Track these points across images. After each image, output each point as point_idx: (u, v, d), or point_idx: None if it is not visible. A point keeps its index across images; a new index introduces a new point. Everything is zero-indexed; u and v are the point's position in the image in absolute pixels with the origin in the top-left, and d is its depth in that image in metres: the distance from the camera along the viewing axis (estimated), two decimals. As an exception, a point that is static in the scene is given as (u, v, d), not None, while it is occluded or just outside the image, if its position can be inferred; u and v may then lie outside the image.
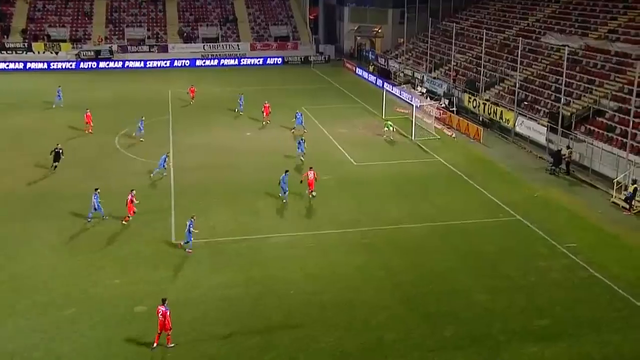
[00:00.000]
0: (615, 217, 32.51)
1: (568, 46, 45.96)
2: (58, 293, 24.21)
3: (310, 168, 34.50)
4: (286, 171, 34.06)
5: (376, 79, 68.99)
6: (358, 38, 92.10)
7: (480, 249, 28.31)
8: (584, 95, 44.41)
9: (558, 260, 27.33)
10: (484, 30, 56.91)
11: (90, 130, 46.13)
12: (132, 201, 30.37)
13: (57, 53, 78.85)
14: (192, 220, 27.67)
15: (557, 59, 50.59)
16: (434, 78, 61.10)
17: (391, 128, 46.07)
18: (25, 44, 79.03)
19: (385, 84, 63.13)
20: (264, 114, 49.72)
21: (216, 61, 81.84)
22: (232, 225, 30.69)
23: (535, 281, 25.46)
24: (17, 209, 32.53)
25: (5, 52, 77.90)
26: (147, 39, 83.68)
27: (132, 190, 31.05)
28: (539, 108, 46.60)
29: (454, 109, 53.27)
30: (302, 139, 40.65)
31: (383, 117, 52.27)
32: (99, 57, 78.86)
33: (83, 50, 79.12)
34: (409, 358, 20.61)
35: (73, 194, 34.08)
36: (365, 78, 72.59)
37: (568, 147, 39.37)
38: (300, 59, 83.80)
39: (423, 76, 62.71)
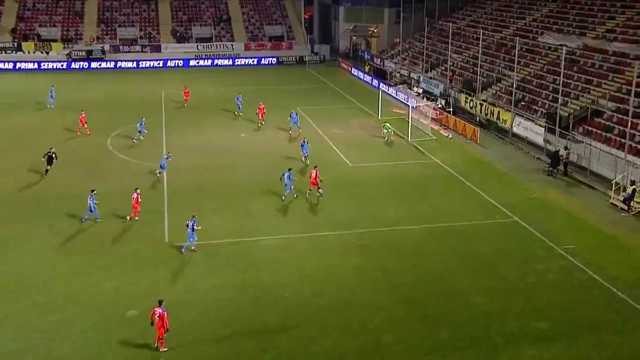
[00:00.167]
0: (614, 218, 32.64)
1: (566, 46, 46.15)
2: (52, 295, 24.19)
3: (315, 167, 34.94)
4: (289, 169, 34.52)
5: (372, 79, 69.09)
6: (353, 38, 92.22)
7: (477, 251, 28.41)
8: (582, 96, 44.56)
9: (556, 262, 27.43)
10: (481, 30, 57.07)
11: (87, 132, 46.07)
12: (137, 200, 30.75)
13: (47, 53, 78.67)
14: (194, 219, 27.74)
15: (554, 58, 50.77)
16: (431, 78, 61.25)
17: (390, 130, 46.11)
18: (15, 44, 78.80)
19: (381, 84, 63.22)
20: (259, 115, 49.75)
21: (210, 61, 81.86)
22: (227, 227, 30.71)
23: (533, 283, 25.56)
24: (11, 210, 32.55)
25: (-6, 51, 77.76)
26: (139, 39, 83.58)
27: (136, 189, 31.36)
28: (537, 108, 46.75)
29: (451, 109, 53.41)
30: (305, 141, 40.71)
31: (379, 117, 52.40)
32: (91, 57, 78.73)
33: (74, 50, 78.97)
34: (406, 360, 20.70)
35: (65, 196, 34.10)
36: (360, 78, 72.69)
37: (566, 148, 39.52)
38: (295, 59, 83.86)
39: (419, 76, 62.83)
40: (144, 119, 45.85)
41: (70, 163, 39.20)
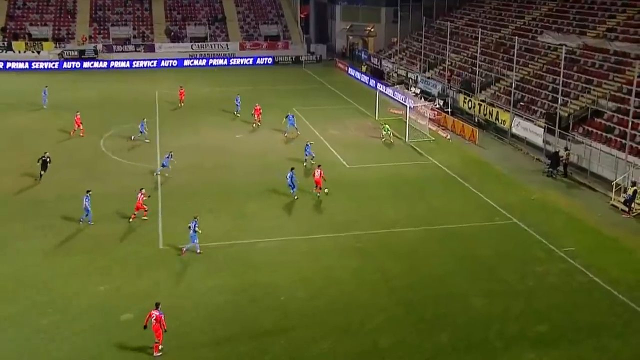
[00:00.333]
0: (614, 219, 32.70)
1: (565, 45, 46.22)
2: (51, 296, 24.22)
3: (319, 166, 35.10)
4: (292, 168, 34.74)
5: (369, 80, 69.13)
6: (350, 37, 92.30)
7: (476, 253, 28.43)
8: (582, 96, 44.65)
9: (556, 264, 27.46)
10: (479, 29, 57.15)
11: (81, 134, 46.00)
12: (141, 200, 30.97)
13: (39, 52, 78.51)
14: (196, 220, 27.75)
15: (554, 58, 50.85)
16: (428, 78, 61.30)
17: (390, 131, 46.10)
18: (5, 43, 78.58)
19: (378, 84, 63.27)
20: (255, 116, 49.71)
21: (204, 61, 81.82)
22: (223, 229, 30.68)
23: (533, 286, 25.59)
24: (8, 211, 32.64)
25: (-17, 51, 77.52)
26: (132, 38, 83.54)
27: (141, 189, 31.49)
28: (536, 109, 46.83)
29: (449, 109, 53.43)
30: (309, 143, 40.67)
31: (376, 118, 52.44)
32: (83, 56, 78.62)
33: (66, 50, 78.87)
34: (404, 364, 20.72)
35: (60, 197, 34.12)
36: (357, 78, 72.72)
37: (566, 149, 39.58)
38: (291, 58, 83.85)
39: (417, 76, 62.90)
40: (145, 119, 45.96)
41: (64, 164, 39.10)
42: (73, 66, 77.52)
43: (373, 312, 23.46)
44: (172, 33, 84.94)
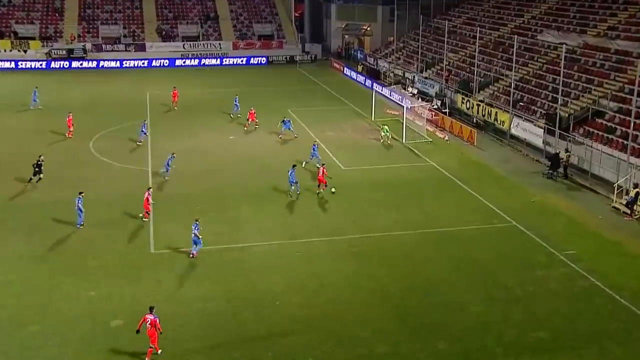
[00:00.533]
0: (616, 222, 32.58)
1: (566, 44, 46.18)
2: (32, 305, 23.89)
3: (322, 164, 35.36)
4: (293, 166, 35.00)
5: (365, 80, 69.02)
6: (346, 36, 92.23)
7: (474, 257, 28.26)
8: (583, 96, 44.59)
9: (556, 268, 27.31)
10: (478, 28, 57.01)
11: (70, 135, 45.81)
12: (147, 199, 31.12)
13: (25, 52, 78.09)
14: (197, 223, 27.69)
15: (554, 57, 50.82)
16: (426, 78, 61.20)
17: (388, 133, 45.87)
18: (-10, 42, 78.36)
19: (375, 84, 63.20)
20: (249, 120, 49.43)
21: (197, 61, 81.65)
22: (214, 233, 30.41)
23: (532, 291, 25.41)
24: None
25: (-33, 50, 77.17)
26: (123, 38, 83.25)
27: (149, 189, 31.71)
28: (536, 109, 46.75)
29: (447, 110, 53.37)
30: (315, 145, 40.47)
31: (372, 119, 52.33)
32: (72, 56, 78.31)
33: (54, 49, 78.54)
34: (400, 373, 20.54)
35: (46, 202, 33.91)
36: (353, 78, 72.64)
37: (566, 150, 39.46)
38: (286, 58, 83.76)
39: (414, 76, 62.81)
40: (146, 121, 45.90)
41: (53, 167, 38.69)
42: (61, 66, 77.23)
43: (368, 319, 23.25)
44: (164, 32, 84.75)
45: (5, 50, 77.71)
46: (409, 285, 25.82)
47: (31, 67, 76.06)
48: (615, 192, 34.73)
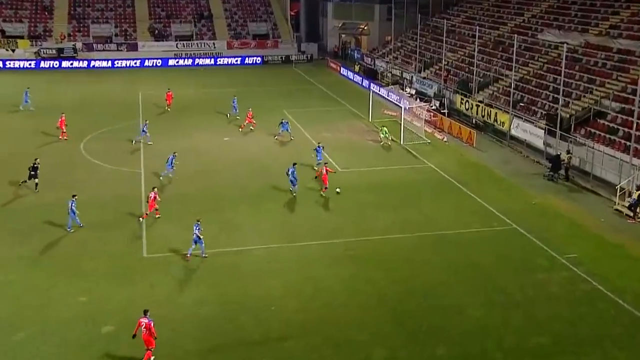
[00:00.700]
0: (619, 225, 32.60)
1: (567, 43, 46.25)
2: (21, 310, 23.80)
3: (325, 164, 35.68)
4: (294, 164, 35.20)
5: (362, 80, 69.04)
6: (343, 36, 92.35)
7: (473, 261, 28.24)
8: (584, 96, 44.64)
9: (558, 272, 27.30)
10: (477, 27, 57.11)
11: (61, 136, 45.67)
12: (154, 199, 31.43)
13: (13, 51, 77.86)
14: (198, 223, 27.78)
15: (555, 57, 50.89)
16: (424, 78, 61.25)
17: (388, 135, 45.86)
18: (-24, 41, 78.16)
19: (372, 84, 63.05)
20: (246, 121, 49.39)
21: (190, 61, 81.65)
22: (208, 237, 30.18)
23: (533, 295, 25.39)
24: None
25: (-47, 49, 76.89)
26: (114, 37, 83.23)
27: (154, 188, 31.96)
28: (536, 110, 46.78)
29: (445, 111, 53.40)
30: (320, 146, 40.42)
31: (370, 120, 52.35)
32: (62, 55, 78.23)
33: (43, 48, 78.41)
34: (398, 379, 20.51)
35: (36, 205, 33.88)
36: (350, 78, 72.67)
37: (568, 152, 39.48)
38: (281, 58, 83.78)
39: (412, 76, 62.86)
40: (147, 121, 45.95)
41: (43, 169, 38.57)
42: (51, 65, 77.09)
43: (366, 323, 23.24)
44: (156, 31, 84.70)
45: (-8, 49, 77.57)
46: (406, 290, 25.78)
47: (20, 67, 75.95)
48: (618, 194, 34.74)
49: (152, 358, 20.73)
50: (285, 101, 59.09)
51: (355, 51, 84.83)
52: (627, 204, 33.86)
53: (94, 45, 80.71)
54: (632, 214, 33.22)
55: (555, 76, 47.36)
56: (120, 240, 29.94)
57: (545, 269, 27.60)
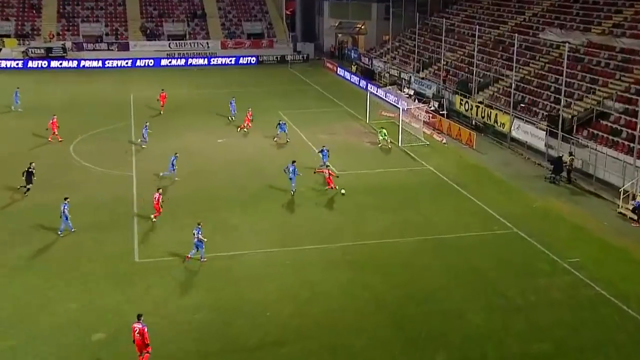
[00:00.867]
0: (622, 228, 32.66)
1: (569, 43, 46.34)
2: (8, 317, 23.68)
3: (327, 165, 36.26)
4: (293, 162, 35.48)
5: (359, 80, 69.13)
6: (339, 35, 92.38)
7: (473, 265, 28.26)
8: (587, 96, 44.73)
9: (560, 277, 27.33)
10: (477, 26, 57.18)
11: (50, 138, 45.59)
12: (159, 200, 31.67)
13: (0, 50, 77.77)
14: (199, 227, 27.89)
15: (556, 56, 50.97)
16: (422, 78, 61.35)
17: (387, 137, 45.88)
18: (-38, 39, 78.00)
19: (369, 85, 63.22)
20: (245, 121, 49.44)
21: (183, 61, 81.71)
22: (204, 240, 30.32)
23: (534, 300, 25.41)
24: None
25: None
26: (105, 36, 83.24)
27: (158, 189, 32.25)
28: (537, 111, 46.87)
29: (444, 112, 53.46)
30: (325, 149, 40.43)
31: (367, 121, 52.38)
32: (50, 55, 78.22)
33: (31, 48, 78.35)
34: (396, 386, 20.52)
35: (25, 208, 33.91)
36: (347, 79, 72.77)
37: (570, 154, 39.55)
38: (276, 58, 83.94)
39: (410, 77, 62.95)
40: (147, 123, 46.06)
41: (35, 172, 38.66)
42: (39, 65, 77.04)
43: (362, 330, 23.23)
44: (148, 30, 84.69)
45: (-22, 49, 77.38)
46: (405, 295, 25.78)
47: (7, 67, 75.85)
48: (621, 197, 34.81)
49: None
50: (280, 102, 59.12)
51: (352, 51, 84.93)
52: (630, 207, 33.90)
53: (84, 45, 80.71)
54: (636, 217, 33.26)
55: (557, 76, 47.44)
56: (112, 244, 29.90)
57: (547, 273, 27.63)
